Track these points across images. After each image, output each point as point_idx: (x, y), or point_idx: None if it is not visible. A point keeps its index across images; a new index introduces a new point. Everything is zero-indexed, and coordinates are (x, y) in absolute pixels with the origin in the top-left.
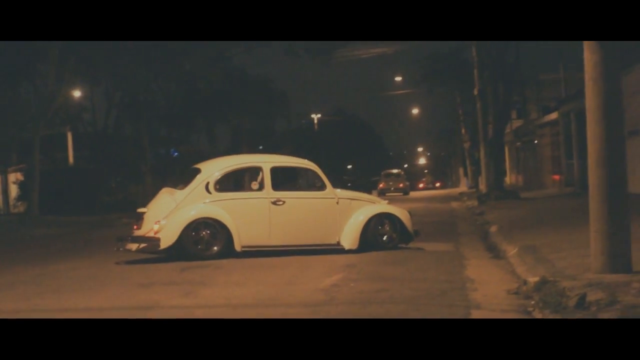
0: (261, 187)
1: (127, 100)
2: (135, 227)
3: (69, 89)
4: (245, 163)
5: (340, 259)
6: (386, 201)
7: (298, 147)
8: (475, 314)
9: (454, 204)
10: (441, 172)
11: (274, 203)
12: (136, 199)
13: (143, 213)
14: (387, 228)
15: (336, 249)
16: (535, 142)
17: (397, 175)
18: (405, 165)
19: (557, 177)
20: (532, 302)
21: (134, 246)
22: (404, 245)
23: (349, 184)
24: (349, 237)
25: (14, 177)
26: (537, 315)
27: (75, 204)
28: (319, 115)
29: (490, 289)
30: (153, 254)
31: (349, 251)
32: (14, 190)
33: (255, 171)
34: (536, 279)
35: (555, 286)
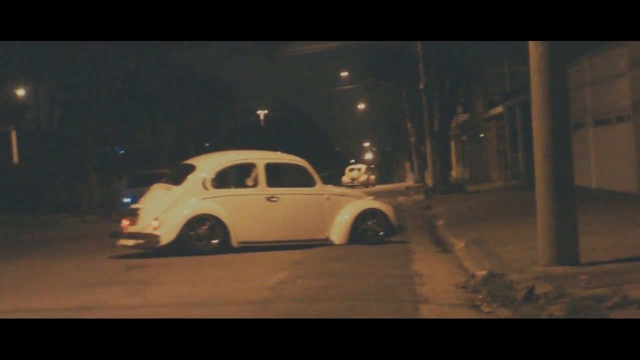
0: (256, 183)
1: (71, 98)
2: (128, 222)
3: (12, 87)
4: (239, 160)
5: (287, 255)
6: (372, 197)
7: (244, 143)
8: (424, 309)
9: (401, 199)
10: (378, 166)
11: (269, 199)
12: (81, 198)
13: (138, 209)
14: (374, 223)
15: (326, 243)
16: (481, 136)
17: (359, 169)
18: (352, 161)
19: (502, 170)
20: (480, 296)
21: (130, 242)
22: (389, 239)
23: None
24: (338, 232)
25: None
26: (485, 308)
27: (19, 203)
28: (265, 112)
29: (438, 283)
30: (150, 249)
31: (340, 245)
32: None
33: (249, 168)
34: (484, 272)
35: (503, 279)
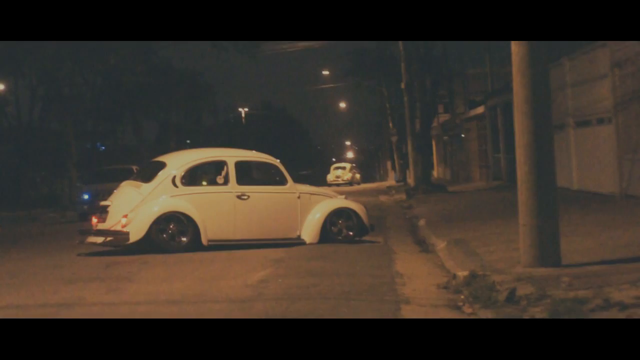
0: (226, 181)
1: (51, 93)
2: (96, 220)
3: None
4: (210, 157)
5: (269, 253)
6: (343, 196)
7: (226, 141)
8: (405, 309)
9: (383, 198)
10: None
11: (239, 197)
12: (61, 194)
13: (107, 206)
14: (345, 222)
15: (297, 243)
16: (463, 136)
17: (344, 168)
18: (333, 159)
19: (484, 170)
20: (462, 297)
21: (98, 239)
22: (360, 239)
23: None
24: (309, 231)
25: None
26: (467, 309)
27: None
28: (246, 109)
29: (420, 283)
30: (119, 247)
31: (311, 245)
32: None
33: (219, 165)
34: (465, 273)
35: (485, 280)
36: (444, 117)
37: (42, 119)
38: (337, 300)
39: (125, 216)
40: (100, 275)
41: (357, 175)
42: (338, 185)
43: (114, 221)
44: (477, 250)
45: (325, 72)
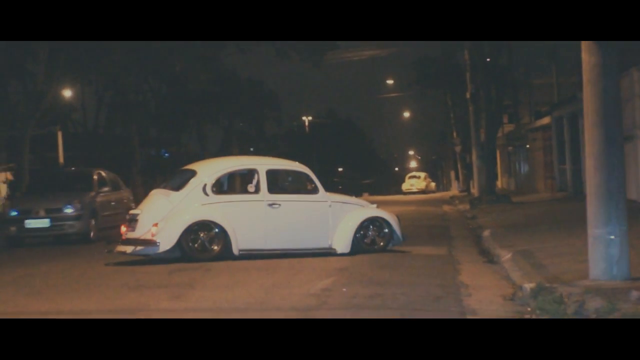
0: (257, 189)
1: (117, 100)
2: (126, 228)
3: (59, 88)
4: (241, 165)
5: (332, 262)
6: (375, 205)
7: (289, 149)
8: None
9: (446, 208)
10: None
11: (270, 206)
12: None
13: (136, 214)
14: (378, 232)
15: (329, 253)
16: (528, 146)
17: (418, 177)
18: (396, 169)
19: (549, 181)
20: (529, 309)
21: (128, 248)
22: (394, 249)
23: (340, 187)
24: (341, 241)
25: (3, 176)
26: None
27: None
28: (310, 118)
29: (485, 294)
30: (149, 256)
31: (342, 255)
32: (3, 190)
33: (250, 174)
34: (532, 285)
35: (553, 293)
36: (508, 127)
37: (108, 125)
38: (402, 311)
39: (156, 225)
40: (164, 282)
41: (432, 184)
42: (413, 193)
43: (143, 230)
44: (544, 262)
45: (390, 82)
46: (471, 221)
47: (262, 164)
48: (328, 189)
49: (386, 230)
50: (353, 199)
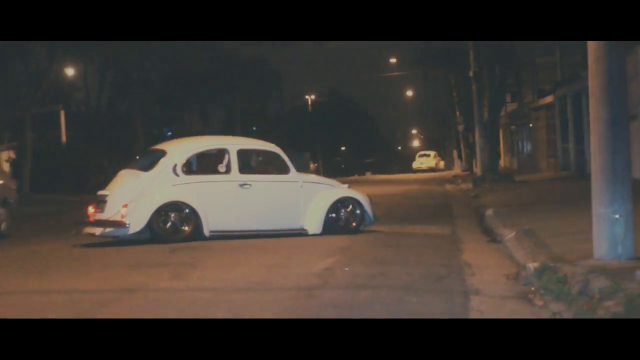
0: (228, 170)
1: (120, 78)
2: (94, 209)
3: (61, 67)
4: (211, 145)
5: (334, 241)
6: (346, 185)
7: (292, 128)
8: (475, 300)
9: (449, 187)
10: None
11: (241, 186)
12: None
13: (105, 195)
14: (350, 212)
15: (301, 234)
16: (531, 125)
17: (428, 155)
18: (399, 147)
19: (552, 160)
20: (533, 288)
21: (97, 230)
22: (365, 229)
23: (342, 166)
24: (312, 221)
25: (6, 155)
26: (538, 302)
27: (67, 182)
28: (312, 97)
29: (489, 274)
30: (119, 238)
31: (313, 235)
32: (5, 168)
33: (221, 153)
34: (536, 264)
35: (557, 272)
36: (511, 106)
37: (110, 104)
38: (404, 290)
39: (125, 206)
40: (165, 261)
41: (441, 163)
42: (423, 171)
43: (112, 211)
44: (547, 241)
45: (393, 60)
46: (474, 200)
47: (233, 144)
48: (330, 168)
49: (358, 210)
50: (324, 179)
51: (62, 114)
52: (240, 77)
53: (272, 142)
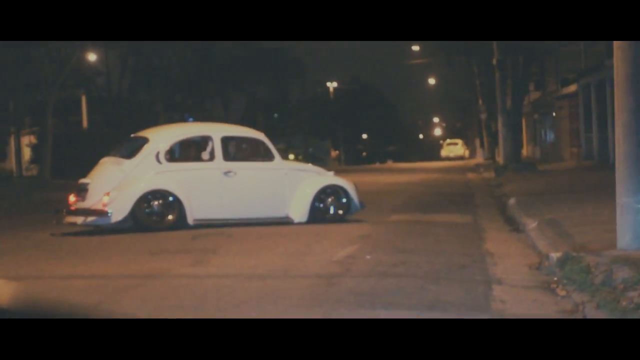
0: (212, 157)
1: (141, 65)
2: (75, 198)
3: (83, 52)
4: (195, 132)
5: (355, 229)
6: (332, 172)
7: (313, 115)
8: (497, 289)
9: (470, 175)
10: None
11: (226, 174)
12: None
13: (86, 184)
14: (335, 200)
15: (286, 222)
16: (554, 114)
17: (456, 144)
18: (421, 136)
19: (575, 149)
20: (555, 278)
21: (79, 219)
22: (350, 218)
23: (364, 153)
24: (298, 210)
25: (27, 140)
26: (561, 292)
27: (88, 168)
28: (334, 84)
29: (511, 263)
30: (100, 226)
31: (299, 224)
32: (27, 153)
33: (205, 141)
34: (559, 254)
35: (580, 262)
36: (534, 95)
37: (132, 90)
38: (426, 279)
39: (107, 194)
40: (186, 247)
41: (467, 151)
42: (451, 159)
43: (94, 200)
44: (570, 231)
45: (415, 48)
46: (496, 189)
47: (217, 131)
48: (351, 155)
49: (344, 198)
50: (310, 167)
51: (84, 99)
52: (262, 65)
53: (293, 129)
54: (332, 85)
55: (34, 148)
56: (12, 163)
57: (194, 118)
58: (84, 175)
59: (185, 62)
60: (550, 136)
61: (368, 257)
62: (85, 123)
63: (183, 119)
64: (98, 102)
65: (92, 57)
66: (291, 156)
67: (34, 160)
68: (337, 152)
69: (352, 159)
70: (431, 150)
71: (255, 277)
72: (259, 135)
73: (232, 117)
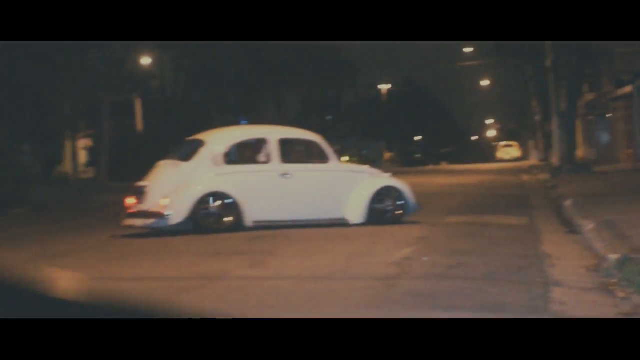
0: (269, 159)
1: (195, 67)
2: (133, 201)
3: (137, 55)
4: (251, 135)
5: (411, 231)
6: (388, 174)
7: (367, 117)
8: (556, 292)
9: (525, 177)
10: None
11: (282, 176)
12: None
13: (145, 186)
14: (392, 201)
15: (342, 223)
16: (608, 115)
17: (511, 146)
18: (475, 137)
19: (630, 151)
20: (614, 280)
21: (138, 222)
22: (407, 219)
23: (417, 156)
24: (354, 211)
25: (83, 143)
26: (620, 294)
27: (144, 170)
28: (387, 86)
29: (569, 265)
30: (159, 229)
31: (355, 225)
32: (82, 156)
33: (261, 143)
34: (617, 256)
35: (638, 264)
36: (589, 96)
37: (186, 92)
38: (484, 281)
39: (166, 197)
40: (244, 249)
41: (519, 153)
42: (507, 161)
43: (152, 202)
44: (628, 232)
45: (468, 50)
46: (551, 191)
47: (274, 133)
48: (405, 157)
49: (401, 200)
50: (366, 169)
51: (139, 102)
52: (315, 66)
53: (346, 131)
54: (385, 87)
55: (90, 151)
56: (68, 166)
57: (248, 120)
58: (139, 178)
59: (238, 64)
60: (605, 138)
61: (425, 258)
62: (140, 126)
63: (236, 121)
64: (153, 105)
65: (146, 60)
66: (345, 158)
67: (89, 163)
68: (390, 154)
69: (405, 161)
70: (485, 152)
71: (313, 278)
72: (315, 137)
73: (286, 119)
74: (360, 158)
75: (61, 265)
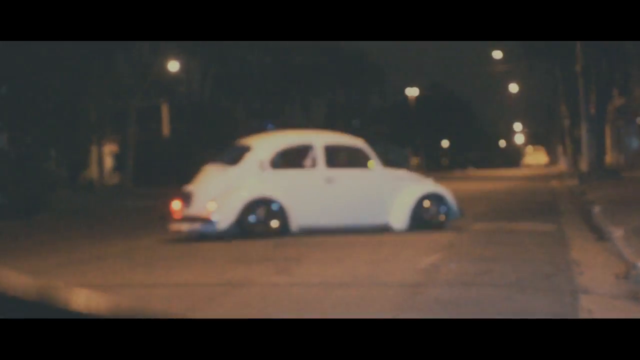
0: (314, 165)
1: (222, 72)
2: (180, 206)
3: (164, 61)
4: (297, 141)
5: (437, 238)
6: (432, 180)
7: (393, 122)
8: (584, 299)
9: (554, 183)
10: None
11: (327, 181)
12: None
13: (191, 191)
14: (436, 207)
15: (386, 229)
16: (638, 120)
17: (540, 152)
18: (502, 143)
19: None
20: None
21: (184, 226)
22: (451, 225)
23: (444, 161)
24: (398, 217)
25: (109, 148)
26: None
27: (170, 176)
28: (415, 90)
29: (598, 272)
30: (206, 233)
31: (399, 231)
32: (108, 162)
33: (307, 149)
34: None
35: None
36: (619, 101)
37: (212, 97)
38: (511, 288)
39: (213, 201)
40: (270, 256)
41: (546, 159)
42: (534, 167)
43: (199, 207)
44: None
45: (497, 54)
46: (580, 197)
47: (319, 139)
48: (432, 162)
49: (444, 206)
50: (410, 174)
51: (165, 107)
52: (341, 71)
53: (373, 136)
54: (411, 91)
55: (116, 156)
56: (94, 171)
57: (274, 125)
58: (166, 183)
59: (265, 68)
60: (635, 143)
61: (452, 265)
62: (166, 131)
63: (263, 126)
64: (179, 111)
65: (173, 66)
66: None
67: (116, 168)
68: (417, 159)
69: (432, 166)
70: (513, 158)
71: (339, 285)
72: (360, 143)
73: (312, 123)
74: (387, 163)
75: (85, 272)
